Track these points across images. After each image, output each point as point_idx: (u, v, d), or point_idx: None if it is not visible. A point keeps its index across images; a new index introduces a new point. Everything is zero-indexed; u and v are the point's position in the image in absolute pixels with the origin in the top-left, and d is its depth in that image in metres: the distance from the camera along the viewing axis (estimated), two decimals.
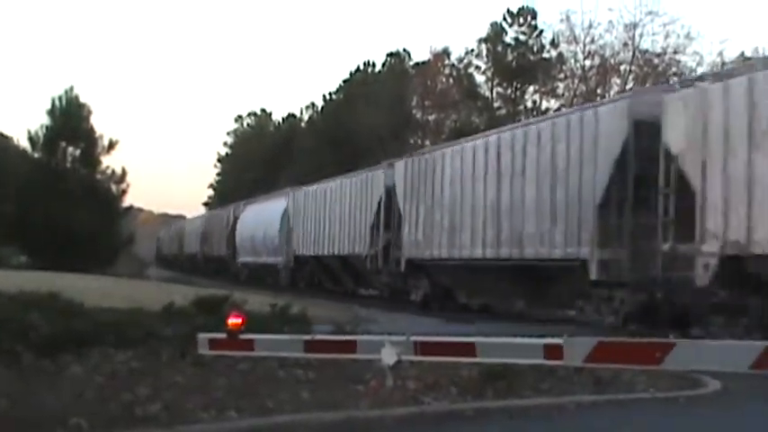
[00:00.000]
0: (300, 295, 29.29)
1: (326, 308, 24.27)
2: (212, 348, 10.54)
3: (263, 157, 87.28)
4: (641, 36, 52.69)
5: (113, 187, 51.24)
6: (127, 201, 53.55)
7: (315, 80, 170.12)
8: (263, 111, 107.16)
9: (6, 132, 57.37)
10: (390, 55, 77.40)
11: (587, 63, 56.52)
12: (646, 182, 19.31)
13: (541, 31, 63.27)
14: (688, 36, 51.33)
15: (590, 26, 54.97)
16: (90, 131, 50.71)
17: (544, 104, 62.06)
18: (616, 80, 53.30)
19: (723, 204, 17.05)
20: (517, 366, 10.57)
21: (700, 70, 45.81)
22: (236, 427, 8.61)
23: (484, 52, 65.35)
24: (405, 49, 77.26)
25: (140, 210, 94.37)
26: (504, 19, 64.65)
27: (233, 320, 10.13)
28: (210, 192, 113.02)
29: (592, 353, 7.34)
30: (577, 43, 56.30)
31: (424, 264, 29.85)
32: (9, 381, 9.94)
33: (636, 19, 52.25)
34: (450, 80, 67.18)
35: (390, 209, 32.29)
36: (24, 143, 50.92)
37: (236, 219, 54.61)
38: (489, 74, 65.49)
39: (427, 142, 60.84)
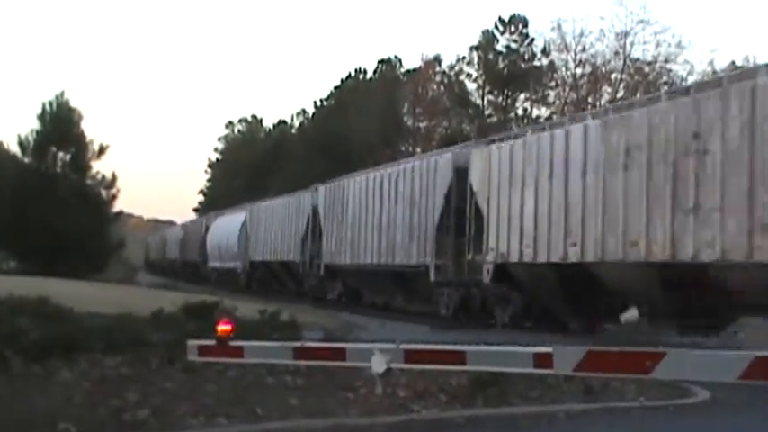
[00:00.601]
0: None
1: (313, 314, 24.45)
2: (201, 355, 10.50)
3: (254, 163, 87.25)
4: (632, 45, 52.91)
5: (103, 192, 51.29)
6: (117, 206, 53.70)
7: (306, 87, 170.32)
8: (254, 117, 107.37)
9: None
10: (381, 62, 77.58)
11: (578, 71, 56.71)
12: (462, 212, 26.83)
13: (533, 40, 63.50)
14: (679, 45, 51.55)
15: (581, 35, 55.15)
16: (80, 136, 50.73)
17: (535, 112, 62.28)
18: (607, 89, 53.53)
19: (496, 228, 24.85)
20: (507, 374, 10.58)
21: (691, 79, 45.99)
22: None
23: (475, 60, 65.47)
24: (396, 57, 77.48)
25: (130, 215, 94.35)
26: (496, 27, 64.82)
27: (222, 327, 10.10)
28: (201, 197, 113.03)
29: (582, 362, 7.34)
30: (568, 52, 56.49)
31: (337, 269, 37.11)
32: None
33: (627, 28, 52.46)
34: (442, 88, 67.27)
35: (315, 224, 39.65)
36: (14, 148, 51.00)
37: (207, 228, 61.16)
38: (480, 81, 65.58)
39: (418, 149, 60.91)
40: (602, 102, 48.71)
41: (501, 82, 63.85)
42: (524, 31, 64.13)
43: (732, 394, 10.97)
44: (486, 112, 65.37)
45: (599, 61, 54.89)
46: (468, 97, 66.15)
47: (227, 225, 55.36)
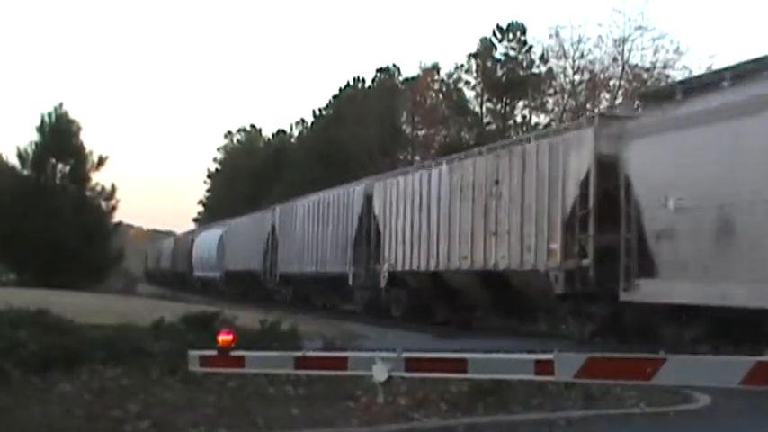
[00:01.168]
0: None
1: (311, 323, 24.52)
2: (203, 365, 10.49)
3: (253, 172, 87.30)
4: (630, 51, 52.81)
5: (103, 204, 51.39)
6: (116, 217, 53.86)
7: (305, 96, 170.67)
8: (253, 126, 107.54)
9: None
10: (380, 70, 77.62)
11: (577, 78, 56.62)
12: (370, 230, 33.75)
13: (531, 47, 63.42)
14: (677, 51, 51.48)
15: (579, 41, 55.01)
16: (79, 148, 50.82)
17: (534, 120, 62.20)
18: (605, 95, 53.41)
19: (389, 244, 31.95)
20: (508, 382, 10.57)
21: None
22: None
23: (473, 68, 65.45)
24: (394, 65, 77.53)
25: (130, 226, 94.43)
26: (494, 34, 64.82)
27: (224, 337, 10.09)
28: (200, 208, 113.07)
29: (582, 368, 7.33)
30: (567, 58, 56.40)
31: (289, 277, 43.66)
32: None
33: (625, 34, 52.36)
34: (440, 96, 67.25)
35: (274, 239, 45.96)
36: (13, 160, 51.06)
37: (193, 241, 68.45)
38: (479, 89, 65.56)
39: (417, 158, 60.88)
40: (601, 108, 48.57)
41: (499, 89, 63.83)
42: (522, 38, 64.14)
43: (733, 400, 10.97)
44: (485, 120, 65.36)
45: (597, 68, 54.86)
46: (467, 105, 66.14)
47: (209, 239, 62.48)
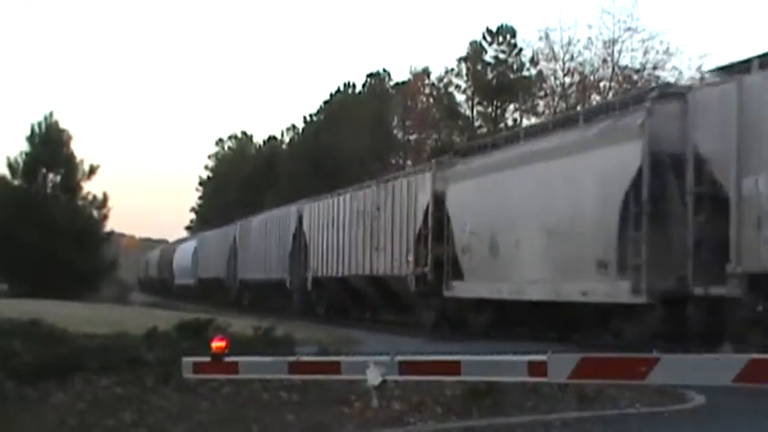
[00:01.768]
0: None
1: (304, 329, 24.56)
2: (197, 372, 10.49)
3: (245, 179, 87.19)
4: (620, 52, 52.93)
5: (95, 213, 51.23)
6: (109, 226, 53.63)
7: (295, 102, 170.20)
8: (244, 134, 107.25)
9: None
10: (371, 75, 77.54)
11: (567, 80, 56.72)
12: (301, 244, 40.53)
13: (521, 50, 63.38)
14: (667, 52, 51.58)
15: (569, 43, 55.10)
16: (70, 157, 50.69)
17: (525, 122, 62.14)
18: (596, 97, 53.40)
19: (313, 255, 38.78)
20: (501, 384, 10.57)
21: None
22: None
23: (464, 71, 65.42)
24: (385, 70, 77.39)
25: (123, 235, 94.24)
26: (484, 38, 64.80)
27: (217, 344, 10.09)
28: (192, 215, 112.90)
29: (576, 369, 7.34)
30: (557, 61, 56.50)
31: (246, 282, 50.33)
32: None
33: (615, 35, 52.47)
34: (431, 100, 67.30)
35: (235, 250, 53.08)
36: (4, 170, 50.82)
37: (174, 251, 75.59)
38: (469, 93, 65.56)
39: (409, 162, 60.88)
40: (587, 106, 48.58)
41: (490, 93, 63.83)
42: (512, 41, 64.12)
43: (728, 399, 10.98)
44: (476, 123, 65.34)
45: (587, 70, 54.97)
46: (458, 109, 66.13)
47: (186, 249, 69.90)
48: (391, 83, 74.73)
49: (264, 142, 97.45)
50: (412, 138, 68.67)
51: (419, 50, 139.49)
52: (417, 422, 9.85)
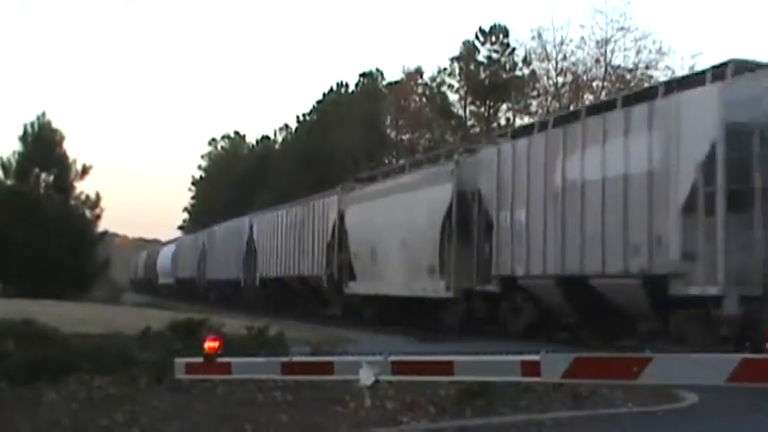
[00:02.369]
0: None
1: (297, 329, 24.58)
2: (189, 372, 10.50)
3: (238, 179, 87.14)
4: (613, 52, 52.89)
5: (88, 213, 51.09)
6: (102, 226, 53.45)
7: (288, 102, 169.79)
8: (237, 133, 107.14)
9: None
10: (363, 75, 77.52)
11: (560, 80, 56.67)
12: (252, 248, 47.52)
13: (513, 49, 63.39)
14: (660, 51, 51.56)
15: (562, 43, 55.07)
16: (63, 157, 50.56)
17: (518, 122, 62.13)
18: (589, 96, 53.36)
19: (262, 257, 45.47)
20: (495, 384, 10.57)
21: None
22: None
23: (456, 71, 65.41)
24: (377, 69, 77.37)
25: (115, 235, 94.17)
26: (477, 37, 64.82)
27: (209, 344, 10.11)
28: (185, 215, 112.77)
29: (569, 369, 7.37)
30: (549, 60, 56.45)
31: (213, 282, 57.01)
32: None
33: (607, 35, 52.43)
34: (424, 99, 67.24)
35: (204, 253, 60.10)
36: None
37: (158, 253, 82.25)
38: (462, 92, 65.52)
39: (402, 162, 60.83)
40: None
41: (483, 92, 63.83)
42: (505, 40, 64.14)
43: (720, 398, 11.00)
44: (469, 123, 65.33)
45: (580, 69, 54.93)
46: (451, 108, 66.08)
47: (167, 252, 76.94)
48: (384, 82, 74.70)
49: (257, 142, 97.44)
50: (405, 137, 68.58)
51: (412, 50, 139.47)
52: (410, 421, 9.84)
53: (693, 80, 19.66)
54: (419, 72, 67.37)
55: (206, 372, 10.16)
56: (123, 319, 23.16)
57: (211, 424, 9.36)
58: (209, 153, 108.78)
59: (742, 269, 17.03)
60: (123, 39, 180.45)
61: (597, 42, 53.07)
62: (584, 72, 54.76)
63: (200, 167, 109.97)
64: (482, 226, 25.42)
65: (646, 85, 47.76)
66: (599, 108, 22.59)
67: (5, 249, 44.55)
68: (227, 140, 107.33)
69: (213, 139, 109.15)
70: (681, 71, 47.00)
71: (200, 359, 10.37)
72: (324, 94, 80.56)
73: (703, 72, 19.53)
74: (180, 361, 10.39)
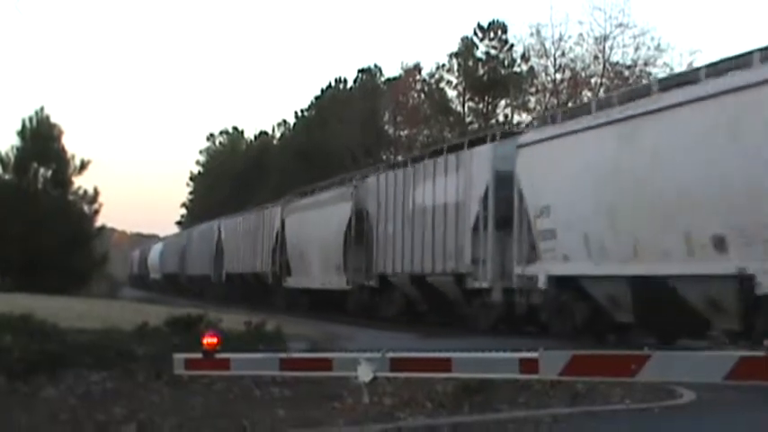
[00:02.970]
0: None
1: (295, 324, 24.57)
2: (188, 368, 10.47)
3: (236, 175, 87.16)
4: (612, 48, 53.01)
5: (86, 207, 51.00)
6: (100, 221, 53.36)
7: (287, 97, 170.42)
8: (235, 129, 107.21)
9: None
10: (362, 71, 77.58)
11: (558, 76, 56.70)
12: (220, 248, 55.24)
13: (512, 45, 63.38)
14: (658, 48, 51.66)
15: (560, 39, 55.11)
16: (61, 152, 50.42)
17: (516, 118, 62.21)
18: (587, 93, 53.38)
19: (227, 256, 54.44)
20: (493, 381, 10.57)
21: None
22: None
23: (455, 67, 65.38)
24: (376, 65, 77.49)
25: (113, 230, 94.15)
26: (475, 33, 64.81)
27: (208, 340, 10.07)
28: (183, 210, 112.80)
29: (567, 366, 7.35)
30: (548, 57, 56.49)
31: (192, 276, 63.50)
32: None
33: (606, 32, 52.54)
34: (422, 95, 67.20)
35: (186, 252, 67.10)
36: None
37: (149, 250, 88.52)
38: (461, 88, 65.46)
39: (399, 158, 60.80)
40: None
41: (481, 88, 63.80)
42: (504, 37, 64.13)
43: (718, 395, 11.00)
44: (468, 119, 65.32)
45: (579, 66, 55.00)
46: (449, 104, 66.06)
47: (156, 249, 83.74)
48: (382, 78, 74.78)
49: (255, 137, 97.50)
50: (403, 133, 68.61)
51: (410, 46, 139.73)
52: (408, 418, 9.85)
53: (481, 138, 28.69)
54: (417, 68, 67.44)
55: (205, 368, 10.12)
56: (121, 313, 23.15)
57: (209, 419, 9.36)
58: (208, 148, 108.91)
59: (503, 269, 25.11)
60: (122, 34, 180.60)
61: (596, 39, 53.21)
62: (583, 69, 54.87)
63: (198, 163, 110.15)
64: (371, 236, 33.48)
65: (644, 81, 47.92)
66: (440, 152, 30.00)
67: (3, 244, 44.48)
68: (225, 136, 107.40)
69: (211, 135, 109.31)
70: (679, 68, 47.20)
71: (198, 355, 10.35)
72: (322, 90, 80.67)
73: (485, 135, 28.90)
74: (179, 356, 10.35)
